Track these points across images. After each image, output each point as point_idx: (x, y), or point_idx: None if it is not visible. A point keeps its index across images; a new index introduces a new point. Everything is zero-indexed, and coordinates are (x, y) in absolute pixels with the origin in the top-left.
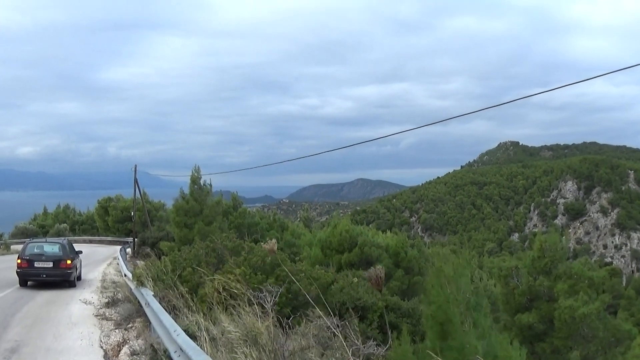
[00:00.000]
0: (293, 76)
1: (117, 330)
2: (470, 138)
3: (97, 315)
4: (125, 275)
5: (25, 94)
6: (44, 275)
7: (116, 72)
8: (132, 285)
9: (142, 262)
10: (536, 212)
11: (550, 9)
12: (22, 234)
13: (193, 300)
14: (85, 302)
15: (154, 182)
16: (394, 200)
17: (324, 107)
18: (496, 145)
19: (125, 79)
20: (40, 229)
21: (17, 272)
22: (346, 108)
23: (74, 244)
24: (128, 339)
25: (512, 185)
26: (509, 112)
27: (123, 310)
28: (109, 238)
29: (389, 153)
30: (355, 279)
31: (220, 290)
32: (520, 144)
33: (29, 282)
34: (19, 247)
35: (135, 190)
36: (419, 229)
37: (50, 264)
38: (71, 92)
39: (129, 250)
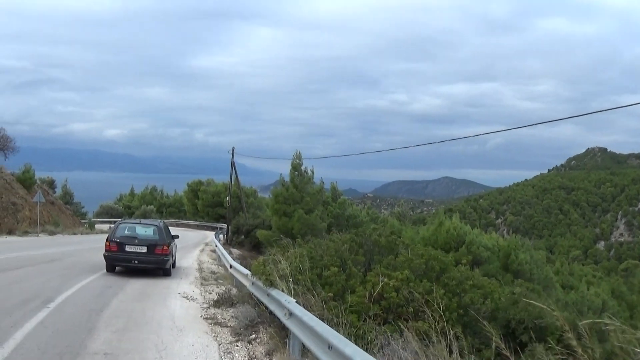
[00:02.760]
0: (382, 71)
1: (238, 344)
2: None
3: (206, 318)
4: (231, 266)
5: (114, 78)
6: (136, 262)
7: (205, 60)
8: (247, 282)
9: (238, 251)
10: (623, 220)
11: None
12: (107, 213)
13: (341, 311)
14: (187, 298)
15: (239, 170)
16: (481, 200)
17: (412, 103)
18: (584, 150)
19: (213, 67)
20: (126, 209)
21: (104, 255)
22: (434, 105)
23: None
24: (257, 359)
25: (599, 192)
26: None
27: (239, 313)
28: (197, 222)
29: (476, 153)
30: (519, 289)
31: (375, 299)
32: (608, 150)
33: (116, 268)
34: (104, 226)
35: (231, 175)
36: (504, 231)
37: (144, 249)
38: (159, 78)
39: (221, 237)
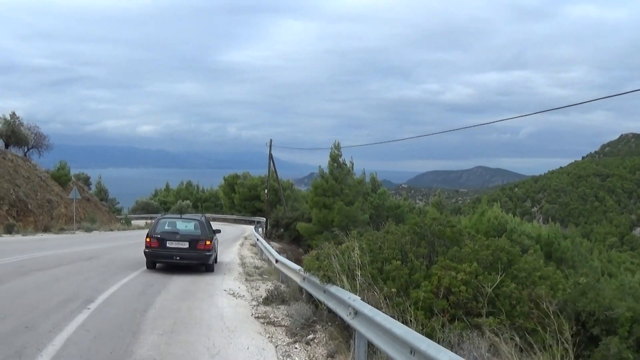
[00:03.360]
0: (413, 61)
1: (296, 346)
2: (590, 129)
3: (258, 318)
4: (277, 261)
5: (145, 74)
6: (177, 258)
7: (236, 55)
8: (297, 278)
9: (277, 244)
10: None
11: None
12: (143, 209)
13: (408, 308)
14: (234, 295)
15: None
16: (516, 189)
17: (445, 92)
18: (617, 137)
19: (245, 61)
20: (162, 205)
21: (145, 252)
22: (466, 94)
23: None
24: None
25: (635, 178)
26: (630, 104)
27: (292, 311)
28: (234, 216)
29: (508, 141)
30: (583, 279)
31: (443, 294)
32: None
33: (157, 265)
34: (140, 222)
35: (269, 167)
36: (540, 219)
37: (186, 244)
38: (191, 74)
39: (260, 230)
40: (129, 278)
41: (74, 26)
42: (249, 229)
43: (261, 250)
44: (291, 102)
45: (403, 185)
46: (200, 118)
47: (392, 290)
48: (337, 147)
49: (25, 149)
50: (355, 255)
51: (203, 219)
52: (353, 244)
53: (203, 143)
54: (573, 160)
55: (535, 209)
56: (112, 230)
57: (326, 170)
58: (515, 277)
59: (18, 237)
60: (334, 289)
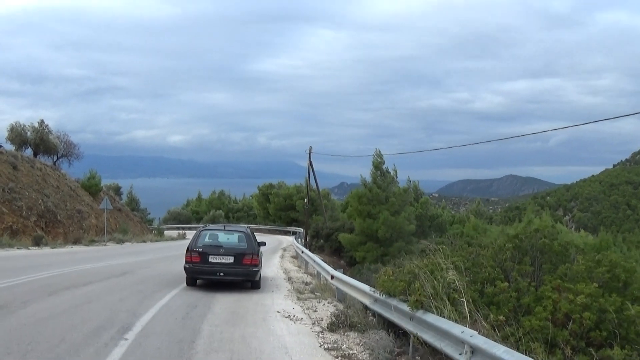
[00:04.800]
0: (444, 70)
1: None
2: (620, 137)
3: (329, 349)
4: (332, 277)
5: (175, 84)
6: (221, 274)
7: (266, 64)
8: (366, 300)
9: (318, 256)
10: None
11: None
12: (175, 219)
13: (521, 339)
14: (290, 318)
15: (304, 173)
16: (548, 197)
17: (474, 101)
18: None
19: (275, 70)
20: (194, 214)
21: (185, 267)
22: (497, 103)
23: None
24: None
25: None
26: None
27: (368, 341)
28: (269, 227)
29: (539, 149)
30: None
31: (561, 322)
32: None
33: (197, 281)
34: (173, 233)
35: (309, 175)
36: (572, 228)
37: (230, 259)
38: (221, 83)
39: (299, 241)
40: (168, 297)
41: (105, 36)
42: (285, 239)
43: (306, 263)
44: (321, 111)
45: (434, 194)
46: (229, 127)
47: (500, 317)
48: (379, 155)
49: (55, 158)
50: (451, 275)
51: (248, 230)
52: (441, 260)
53: (232, 152)
54: (604, 169)
55: (567, 217)
56: (144, 241)
57: (368, 179)
58: (636, 299)
59: (46, 250)
60: (431, 317)
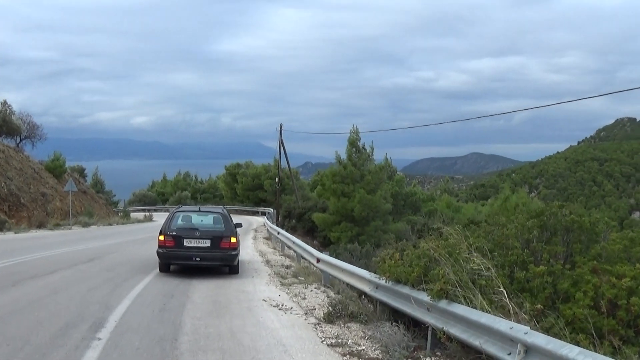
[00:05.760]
0: (409, 48)
1: None
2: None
3: (332, 345)
4: (318, 260)
5: (139, 65)
6: (198, 259)
7: (231, 44)
8: (365, 287)
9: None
10: None
11: None
12: (140, 200)
13: (563, 330)
14: (278, 307)
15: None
16: (513, 174)
17: (439, 80)
18: (613, 121)
19: (239, 51)
20: (159, 196)
21: (158, 252)
22: (461, 81)
23: None
24: None
25: (633, 162)
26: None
27: (376, 334)
28: (236, 207)
29: (502, 127)
30: None
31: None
32: (638, 120)
33: (171, 267)
34: (139, 215)
35: (280, 153)
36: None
37: (207, 243)
38: (186, 64)
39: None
40: (141, 286)
41: (70, 18)
42: (255, 220)
43: (282, 244)
44: (286, 91)
45: (399, 172)
46: (194, 108)
47: (537, 307)
48: (356, 131)
49: (18, 140)
50: (476, 258)
51: (225, 211)
52: (460, 241)
53: (197, 134)
54: (569, 145)
55: (533, 194)
56: (110, 224)
57: (343, 157)
58: None
59: (10, 235)
60: (461, 309)
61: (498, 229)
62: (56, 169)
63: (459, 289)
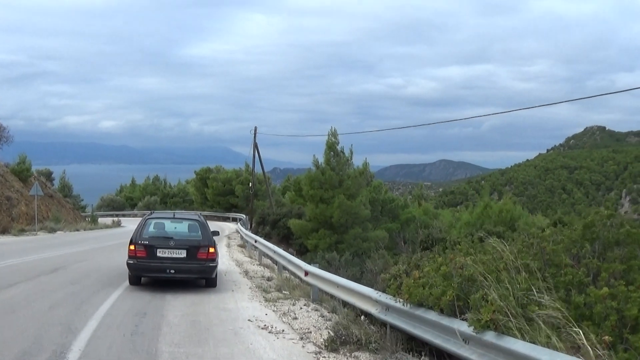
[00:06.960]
0: (378, 55)
1: None
2: (554, 122)
3: None
4: (307, 274)
5: (108, 68)
6: (172, 271)
7: (200, 49)
8: (371, 308)
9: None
10: (628, 198)
11: None
12: (108, 205)
13: None
14: (268, 330)
15: (237, 159)
16: (482, 182)
17: (408, 87)
18: (582, 129)
19: (209, 55)
20: (128, 201)
21: (128, 264)
22: (430, 88)
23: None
24: None
25: (602, 170)
26: (594, 97)
27: None
28: (206, 213)
29: (471, 135)
30: None
31: None
32: (607, 129)
33: (142, 279)
34: (107, 220)
35: (254, 157)
36: None
37: (183, 253)
38: (154, 68)
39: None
40: (109, 302)
41: (37, 20)
42: (227, 226)
43: (259, 253)
44: (255, 96)
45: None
46: (162, 113)
47: (606, 338)
48: (334, 134)
49: None
50: (523, 278)
51: (202, 218)
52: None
53: (165, 138)
54: (538, 153)
55: (501, 202)
56: (78, 230)
57: (321, 162)
58: None
59: None
60: (520, 346)
61: (539, 242)
62: (22, 172)
63: (512, 319)
